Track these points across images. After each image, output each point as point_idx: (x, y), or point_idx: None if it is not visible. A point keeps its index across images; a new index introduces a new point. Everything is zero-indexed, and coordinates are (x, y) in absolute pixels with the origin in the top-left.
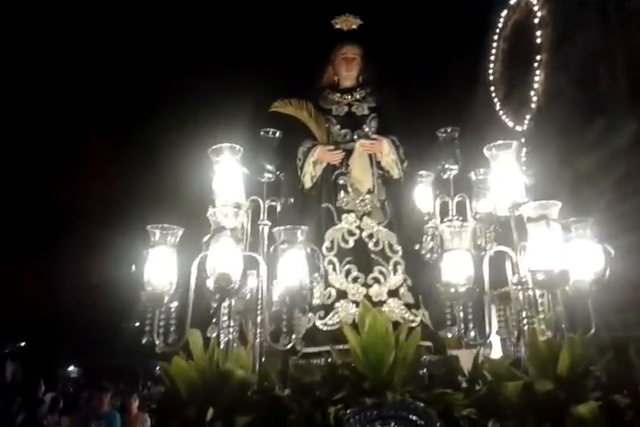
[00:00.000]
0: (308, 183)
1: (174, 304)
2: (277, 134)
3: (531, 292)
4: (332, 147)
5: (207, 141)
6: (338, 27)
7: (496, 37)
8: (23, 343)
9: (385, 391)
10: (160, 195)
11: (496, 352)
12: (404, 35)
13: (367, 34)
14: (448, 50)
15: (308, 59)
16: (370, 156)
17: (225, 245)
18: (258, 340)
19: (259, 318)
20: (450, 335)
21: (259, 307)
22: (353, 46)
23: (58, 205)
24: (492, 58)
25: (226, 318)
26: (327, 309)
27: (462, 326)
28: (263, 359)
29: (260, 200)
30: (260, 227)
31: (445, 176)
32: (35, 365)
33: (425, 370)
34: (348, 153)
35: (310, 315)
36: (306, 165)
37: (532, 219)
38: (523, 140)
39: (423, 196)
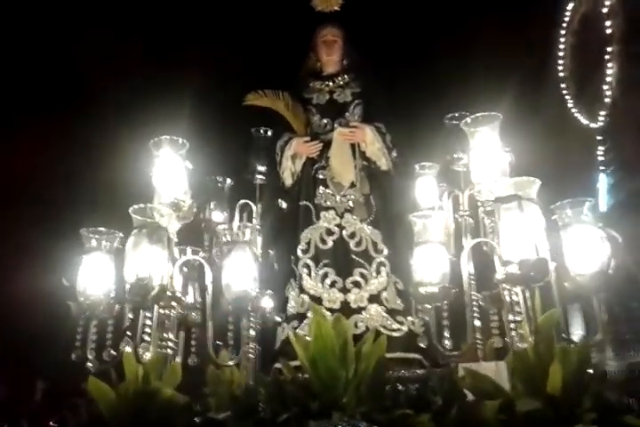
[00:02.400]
0: (288, 180)
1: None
2: (269, 132)
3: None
4: (307, 138)
5: (156, 135)
6: (319, 9)
7: (563, 32)
8: None
9: (333, 413)
10: (98, 193)
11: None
12: (403, 11)
13: (358, 12)
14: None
15: (288, 45)
16: (353, 146)
17: (144, 247)
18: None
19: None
20: (422, 345)
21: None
22: (333, 28)
23: None
24: (561, 54)
25: (148, 329)
26: (301, 318)
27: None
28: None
29: (252, 204)
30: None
31: (457, 167)
32: None
33: (401, 387)
34: (329, 144)
35: (285, 325)
36: (284, 160)
37: (503, 199)
38: (599, 137)
39: (426, 189)
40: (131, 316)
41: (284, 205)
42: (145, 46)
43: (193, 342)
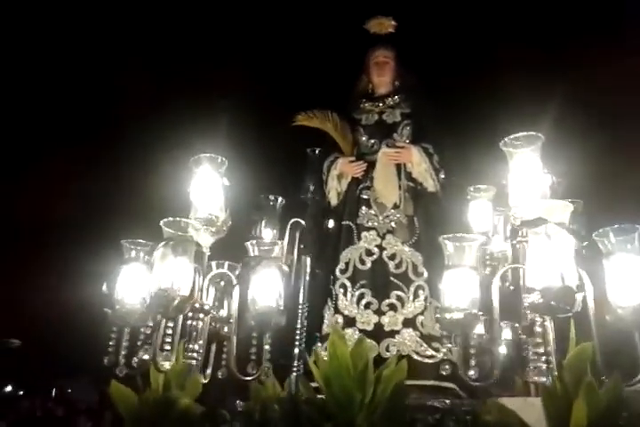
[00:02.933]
0: (333, 200)
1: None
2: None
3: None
4: (352, 158)
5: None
6: (373, 31)
7: None
8: None
9: None
10: (138, 210)
11: None
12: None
13: (412, 34)
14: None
15: (340, 66)
16: (398, 166)
17: (170, 258)
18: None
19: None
20: (444, 372)
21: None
22: (385, 50)
23: (26, 220)
24: None
25: (169, 339)
26: None
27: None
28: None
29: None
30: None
31: None
32: None
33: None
34: (375, 165)
35: (319, 345)
36: (329, 179)
37: (528, 223)
38: None
39: (480, 213)
40: (151, 324)
41: (330, 224)
42: (187, 66)
43: (224, 356)
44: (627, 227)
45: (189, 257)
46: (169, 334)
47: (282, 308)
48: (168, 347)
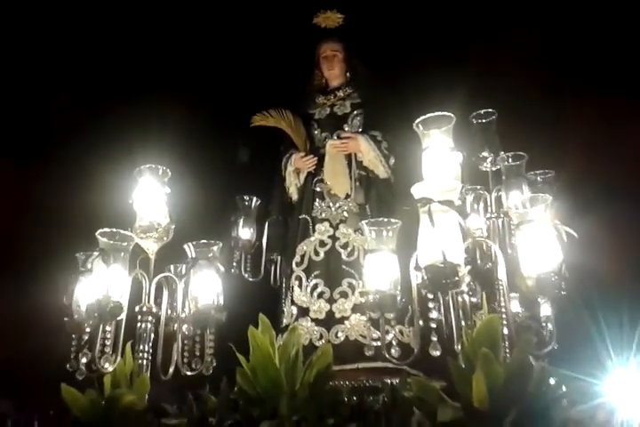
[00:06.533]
0: (294, 195)
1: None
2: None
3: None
4: (303, 153)
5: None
6: (324, 26)
7: None
8: None
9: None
10: (88, 219)
11: None
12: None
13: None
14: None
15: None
16: (349, 157)
17: (103, 267)
18: None
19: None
20: (367, 354)
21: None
22: (332, 43)
23: None
24: None
25: (109, 342)
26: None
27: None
28: None
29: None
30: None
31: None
32: None
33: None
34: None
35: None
36: (287, 176)
37: (418, 201)
38: None
39: None
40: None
41: (292, 220)
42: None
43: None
44: (538, 197)
45: (124, 264)
46: (108, 338)
47: (221, 305)
48: (108, 350)
